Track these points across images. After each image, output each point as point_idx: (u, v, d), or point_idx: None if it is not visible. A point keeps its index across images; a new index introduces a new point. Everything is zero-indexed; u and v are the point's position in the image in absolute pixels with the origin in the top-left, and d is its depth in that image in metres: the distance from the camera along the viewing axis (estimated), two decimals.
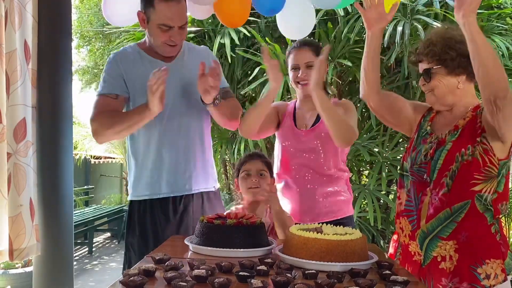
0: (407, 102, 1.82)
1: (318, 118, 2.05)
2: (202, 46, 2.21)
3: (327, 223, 1.56)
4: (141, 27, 1.99)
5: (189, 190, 1.98)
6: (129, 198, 2.07)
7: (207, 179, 2.05)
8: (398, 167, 2.50)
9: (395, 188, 3.74)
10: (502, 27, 3.63)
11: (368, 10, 1.69)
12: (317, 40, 3.44)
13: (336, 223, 1.58)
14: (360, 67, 1.78)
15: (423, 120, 1.75)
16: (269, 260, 1.29)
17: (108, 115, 1.92)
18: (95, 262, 6.19)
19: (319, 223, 1.54)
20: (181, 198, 1.98)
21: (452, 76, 1.60)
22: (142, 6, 1.92)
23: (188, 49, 2.09)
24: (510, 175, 1.64)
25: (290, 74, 2.09)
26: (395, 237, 1.79)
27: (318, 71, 1.84)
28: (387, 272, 1.21)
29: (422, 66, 1.67)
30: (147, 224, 1.97)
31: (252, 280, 1.06)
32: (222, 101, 1.94)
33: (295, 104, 2.18)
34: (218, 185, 2.15)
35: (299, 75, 2.03)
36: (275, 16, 2.74)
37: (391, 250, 1.80)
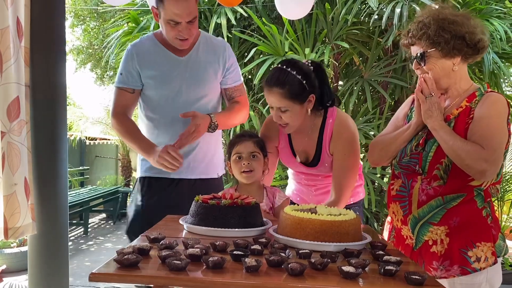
0: (395, 124, 1.76)
1: (318, 150, 1.92)
2: (219, 38, 2.23)
3: None
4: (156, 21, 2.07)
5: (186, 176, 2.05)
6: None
7: (207, 168, 2.10)
8: None
9: (389, 171, 3.76)
10: (501, 10, 3.59)
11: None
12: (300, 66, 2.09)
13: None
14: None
15: (410, 112, 1.72)
16: (263, 240, 1.29)
17: (123, 125, 2.03)
18: (90, 243, 6.21)
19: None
20: (178, 181, 2.05)
21: (447, 59, 1.56)
22: (155, 1, 1.96)
23: (204, 41, 2.10)
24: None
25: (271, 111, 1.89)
26: (389, 219, 1.79)
27: None
28: (380, 252, 1.22)
29: (415, 49, 1.61)
30: (142, 200, 2.08)
31: (246, 259, 1.06)
32: (221, 116, 2.04)
33: None
34: (222, 172, 2.20)
35: (274, 119, 1.87)
36: None
37: (385, 233, 1.81)
